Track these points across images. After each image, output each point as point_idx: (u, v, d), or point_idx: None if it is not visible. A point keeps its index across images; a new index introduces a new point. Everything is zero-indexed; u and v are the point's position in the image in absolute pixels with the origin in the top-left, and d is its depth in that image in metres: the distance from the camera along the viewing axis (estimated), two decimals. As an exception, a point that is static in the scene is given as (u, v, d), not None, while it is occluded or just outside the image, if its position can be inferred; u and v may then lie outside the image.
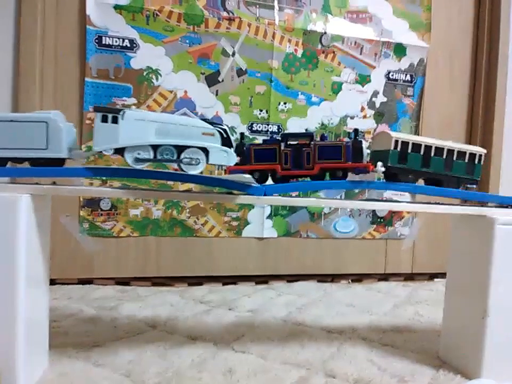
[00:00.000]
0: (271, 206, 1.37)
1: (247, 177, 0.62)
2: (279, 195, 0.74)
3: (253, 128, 1.34)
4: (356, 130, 0.72)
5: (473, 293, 0.74)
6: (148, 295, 1.16)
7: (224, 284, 1.34)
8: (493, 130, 1.48)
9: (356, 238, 1.45)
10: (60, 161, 0.64)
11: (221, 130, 0.66)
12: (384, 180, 0.73)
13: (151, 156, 0.63)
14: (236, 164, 0.69)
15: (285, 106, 1.36)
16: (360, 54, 1.41)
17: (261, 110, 1.34)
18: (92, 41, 1.22)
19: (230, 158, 0.66)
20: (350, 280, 1.45)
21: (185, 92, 1.29)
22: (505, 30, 1.46)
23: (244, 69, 1.32)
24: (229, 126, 1.30)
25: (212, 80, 1.31)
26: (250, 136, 1.34)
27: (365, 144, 0.70)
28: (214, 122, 0.67)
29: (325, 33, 1.37)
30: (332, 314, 1.05)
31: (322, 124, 1.39)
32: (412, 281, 1.49)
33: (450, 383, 0.72)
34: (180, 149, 0.64)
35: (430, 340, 0.89)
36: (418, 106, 1.47)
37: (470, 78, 1.53)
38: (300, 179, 0.74)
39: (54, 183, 0.66)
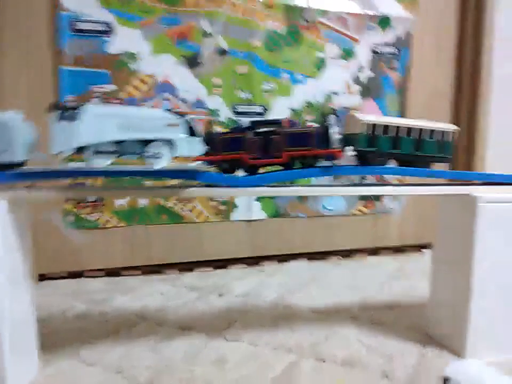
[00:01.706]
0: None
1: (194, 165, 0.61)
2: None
3: (237, 110, 1.31)
4: (324, 115, 0.71)
5: (458, 270, 0.75)
6: (138, 286, 1.16)
7: (215, 268, 1.34)
8: (479, 103, 1.46)
9: (345, 214, 1.45)
10: (17, 165, 0.62)
11: (186, 121, 0.63)
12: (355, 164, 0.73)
13: (114, 151, 0.61)
14: (204, 154, 0.68)
15: (269, 86, 1.33)
16: (344, 28, 1.37)
17: (245, 91, 1.31)
18: (65, 27, 1.17)
19: (196, 148, 0.64)
20: (340, 257, 1.46)
21: (166, 75, 1.26)
22: (491, 1, 1.43)
23: (225, 49, 1.29)
24: (212, 109, 1.29)
25: (192, 62, 1.27)
26: (234, 118, 1.31)
27: (333, 130, 0.69)
28: (179, 113, 0.64)
29: (308, 7, 1.33)
30: (323, 295, 1.06)
31: (308, 102, 1.37)
32: (402, 254, 1.50)
33: (437, 360, 0.73)
34: (144, 143, 0.62)
35: (419, 315, 0.90)
36: (404, 80, 1.45)
37: (456, 50, 1.51)
38: (269, 168, 0.73)
39: (29, 186, 0.64)
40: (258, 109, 1.33)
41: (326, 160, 0.70)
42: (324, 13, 1.34)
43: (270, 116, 1.33)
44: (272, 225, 1.39)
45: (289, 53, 1.33)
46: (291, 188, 0.72)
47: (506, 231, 0.72)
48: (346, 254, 1.47)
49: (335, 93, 1.39)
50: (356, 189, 0.75)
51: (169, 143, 0.62)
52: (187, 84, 1.27)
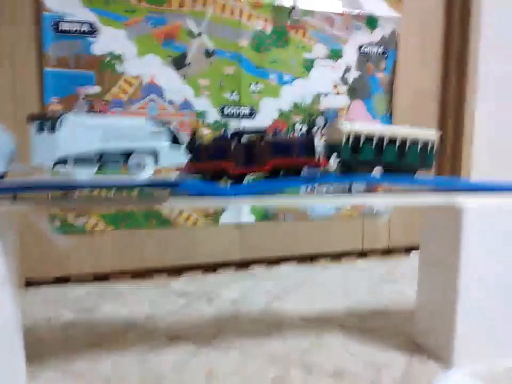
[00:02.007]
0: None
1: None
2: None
3: (225, 112, 1.30)
4: (309, 126, 0.71)
5: (444, 277, 0.76)
6: (126, 292, 1.15)
7: (205, 271, 1.33)
8: (465, 102, 1.47)
9: (333, 217, 1.45)
10: None
11: (169, 129, 0.63)
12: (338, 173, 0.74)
13: (96, 162, 0.60)
14: (188, 163, 0.67)
15: (257, 87, 1.32)
16: (332, 28, 1.36)
17: (232, 92, 1.30)
18: (48, 28, 1.14)
19: (180, 157, 0.64)
20: (329, 259, 1.46)
21: (152, 77, 1.24)
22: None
23: (211, 50, 1.27)
24: (200, 111, 1.28)
25: (179, 63, 1.26)
26: (222, 121, 1.30)
27: (317, 139, 0.69)
28: (161, 121, 0.64)
29: (294, 7, 1.32)
30: (311, 301, 1.06)
31: (296, 104, 1.36)
32: (389, 256, 1.51)
33: (424, 370, 0.74)
34: (127, 152, 0.61)
35: (407, 321, 0.91)
36: (391, 80, 1.45)
37: (442, 49, 1.51)
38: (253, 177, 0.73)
39: (14, 197, 0.63)
40: (246, 110, 1.32)
41: (310, 169, 0.70)
42: (311, 13, 1.33)
43: (258, 117, 1.33)
44: (262, 228, 1.38)
45: (277, 54, 1.32)
46: (278, 197, 0.71)
47: (492, 239, 0.73)
48: (336, 256, 1.48)
49: (323, 94, 1.38)
50: (342, 198, 0.75)
51: (152, 152, 0.61)
52: (174, 85, 1.26)
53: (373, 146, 0.72)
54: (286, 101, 1.35)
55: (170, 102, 1.26)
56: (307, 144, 0.69)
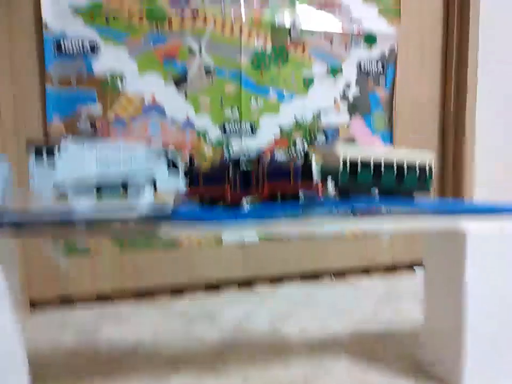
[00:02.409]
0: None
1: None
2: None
3: (226, 129, 1.31)
4: (306, 153, 0.71)
5: (450, 299, 0.75)
6: (129, 314, 1.14)
7: (207, 290, 1.33)
8: (465, 117, 1.48)
9: (336, 235, 1.45)
10: None
11: (167, 155, 0.63)
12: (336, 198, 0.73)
13: (95, 190, 0.60)
14: (186, 188, 0.68)
15: (257, 104, 1.33)
16: (331, 45, 1.38)
17: (233, 109, 1.31)
18: (50, 47, 1.15)
19: (178, 183, 0.64)
20: (332, 276, 1.46)
21: (153, 95, 1.25)
22: (475, 15, 1.45)
23: (212, 68, 1.28)
24: (201, 128, 1.29)
25: (179, 81, 1.26)
26: (224, 138, 1.31)
27: (315, 164, 0.69)
28: (158, 148, 0.65)
29: (294, 26, 1.33)
30: (315, 323, 1.04)
31: (296, 120, 1.37)
32: (393, 272, 1.51)
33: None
34: (125, 179, 0.61)
35: (412, 344, 0.90)
36: (390, 96, 1.46)
37: (441, 64, 1.52)
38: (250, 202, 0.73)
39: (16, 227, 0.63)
40: (246, 127, 1.33)
41: (308, 193, 0.70)
42: (310, 31, 1.35)
43: (259, 133, 1.33)
44: (265, 246, 1.38)
45: (276, 71, 1.33)
46: (278, 223, 0.71)
47: (497, 263, 0.72)
48: (339, 273, 1.47)
49: (323, 110, 1.39)
50: (343, 223, 0.74)
51: (150, 178, 0.62)
52: (175, 103, 1.26)
53: (370, 170, 0.72)
54: (286, 118, 1.36)
55: (172, 120, 1.26)
56: (304, 168, 0.69)
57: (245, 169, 0.69)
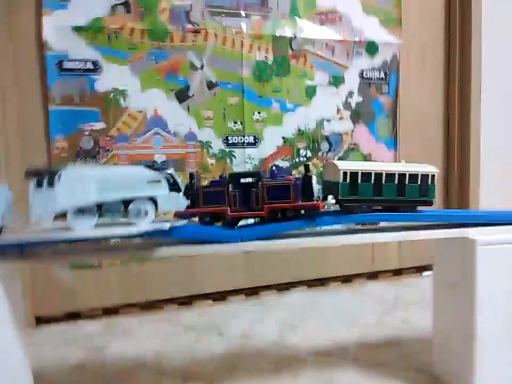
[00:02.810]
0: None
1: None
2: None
3: (229, 141, 1.31)
4: (306, 166, 0.70)
5: (460, 308, 0.74)
6: (136, 327, 1.14)
7: (214, 300, 1.32)
8: (470, 122, 1.47)
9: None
10: None
11: (167, 176, 0.63)
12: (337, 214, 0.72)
13: (96, 214, 0.60)
14: (186, 207, 0.67)
15: (260, 116, 1.33)
16: (332, 55, 1.37)
17: (235, 122, 1.31)
18: (52, 67, 1.16)
19: (180, 203, 0.63)
20: (339, 282, 1.45)
21: (155, 110, 1.25)
22: (477, 22, 1.44)
23: (214, 81, 1.28)
24: (204, 141, 1.29)
25: (182, 95, 1.27)
26: (227, 150, 1.31)
27: (315, 180, 0.69)
28: (159, 167, 0.64)
29: (295, 37, 1.33)
30: (322, 331, 1.04)
31: (299, 130, 1.36)
32: (400, 277, 1.50)
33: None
34: (126, 202, 0.61)
35: (421, 351, 0.89)
36: (394, 103, 1.45)
37: (444, 71, 1.52)
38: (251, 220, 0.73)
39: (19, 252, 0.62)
40: (250, 139, 1.33)
41: (307, 211, 0.69)
42: (311, 41, 1.35)
43: (262, 145, 1.33)
44: (269, 253, 1.37)
45: (279, 82, 1.33)
46: (284, 240, 0.70)
47: (507, 273, 0.71)
48: (346, 279, 1.46)
49: (327, 120, 1.39)
50: (356, 237, 0.73)
51: (151, 200, 0.61)
52: (177, 117, 1.27)
53: (371, 184, 0.71)
54: (289, 128, 1.36)
55: (175, 134, 1.27)
56: (304, 185, 0.68)
57: (244, 188, 0.68)
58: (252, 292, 1.37)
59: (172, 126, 1.26)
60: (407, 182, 0.72)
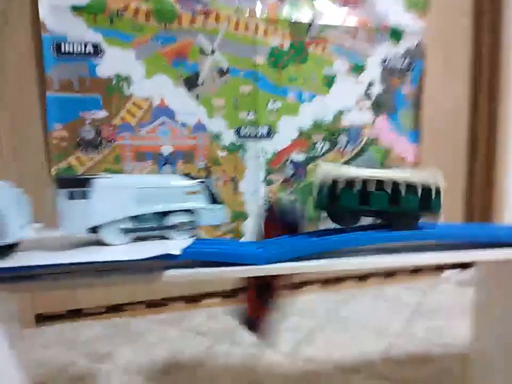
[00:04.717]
0: None
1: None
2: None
3: (241, 133, 1.21)
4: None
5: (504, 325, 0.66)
6: (142, 330, 1.06)
7: (223, 298, 1.24)
8: (499, 116, 1.37)
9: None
10: (9, 247, 0.50)
11: (207, 187, 0.57)
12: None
13: (131, 227, 0.54)
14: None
15: (274, 106, 1.23)
16: (353, 41, 1.27)
17: (248, 112, 1.21)
18: (49, 50, 1.06)
19: (221, 216, 0.58)
20: (355, 281, 1.37)
21: (162, 98, 1.15)
22: (508, 4, 1.33)
23: (225, 68, 1.18)
24: (214, 133, 1.19)
25: (190, 83, 1.17)
26: (239, 142, 1.21)
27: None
28: (196, 177, 0.58)
29: (313, 21, 1.22)
30: (342, 342, 0.96)
31: (316, 122, 1.27)
32: (418, 275, 1.42)
33: None
34: (163, 214, 0.55)
35: (453, 368, 0.81)
36: (417, 94, 1.35)
37: (472, 60, 1.41)
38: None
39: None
40: (263, 130, 1.23)
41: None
42: (331, 27, 1.24)
43: (277, 137, 1.24)
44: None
45: (295, 70, 1.23)
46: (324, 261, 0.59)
47: None
48: (362, 277, 1.38)
49: (346, 110, 1.29)
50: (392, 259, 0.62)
51: (190, 212, 0.56)
52: (186, 106, 1.17)
53: (355, 192, 0.57)
54: (305, 120, 1.26)
55: (183, 125, 1.17)
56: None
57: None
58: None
59: (180, 115, 1.17)
60: (402, 191, 0.58)
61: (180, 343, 0.99)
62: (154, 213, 0.55)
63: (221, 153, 1.21)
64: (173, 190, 0.55)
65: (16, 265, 0.47)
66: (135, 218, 0.54)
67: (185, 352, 0.94)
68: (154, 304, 1.20)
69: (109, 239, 0.53)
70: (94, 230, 0.52)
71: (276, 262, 0.53)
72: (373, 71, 1.30)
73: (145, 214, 0.54)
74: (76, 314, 1.15)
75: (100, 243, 0.53)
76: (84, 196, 0.51)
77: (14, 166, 1.06)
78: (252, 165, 1.23)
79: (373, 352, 0.91)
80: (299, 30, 1.22)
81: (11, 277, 0.49)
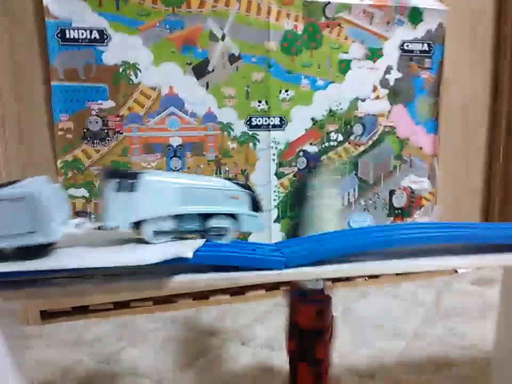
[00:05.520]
0: (278, 208, 1.22)
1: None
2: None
3: (252, 123, 1.17)
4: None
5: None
6: (149, 329, 1.03)
7: (232, 294, 1.22)
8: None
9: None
10: (47, 246, 0.48)
11: (250, 194, 0.56)
12: None
13: (173, 226, 0.52)
14: None
15: (287, 94, 1.18)
16: (370, 24, 1.21)
17: (260, 101, 1.16)
18: (53, 36, 1.01)
19: (260, 224, 0.57)
20: (366, 278, 1.33)
21: (170, 87, 1.11)
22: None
23: (236, 54, 1.13)
24: (225, 123, 1.15)
25: (200, 70, 1.12)
26: (250, 132, 1.17)
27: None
28: (241, 183, 0.57)
29: (329, 2, 1.16)
30: (356, 344, 0.93)
31: (331, 111, 1.22)
32: (433, 273, 1.37)
33: None
34: (205, 216, 0.54)
35: (474, 373, 0.78)
36: (437, 80, 1.29)
37: (495, 45, 1.34)
38: None
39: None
40: (275, 121, 1.18)
41: None
42: (347, 7, 1.18)
43: (289, 127, 1.19)
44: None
45: (309, 56, 1.17)
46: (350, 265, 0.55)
47: None
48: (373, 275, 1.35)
49: (361, 98, 1.23)
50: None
51: (232, 217, 0.55)
52: (195, 95, 1.12)
53: None
54: (319, 109, 1.21)
55: (192, 114, 1.13)
56: None
57: None
58: (273, 286, 1.26)
59: (189, 105, 1.12)
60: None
61: (188, 342, 0.96)
62: (198, 214, 0.53)
63: (232, 145, 1.17)
64: (218, 192, 0.54)
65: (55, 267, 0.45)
66: (177, 217, 0.52)
67: (193, 351, 0.91)
68: (163, 301, 1.17)
69: (149, 237, 0.51)
70: (137, 225, 0.51)
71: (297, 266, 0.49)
72: (391, 56, 1.24)
73: (188, 214, 0.53)
74: (82, 311, 1.13)
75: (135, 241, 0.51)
76: (131, 188, 0.50)
77: (17, 160, 1.03)
78: (263, 156, 1.18)
79: (388, 356, 0.88)
80: (314, 11, 1.15)
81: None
